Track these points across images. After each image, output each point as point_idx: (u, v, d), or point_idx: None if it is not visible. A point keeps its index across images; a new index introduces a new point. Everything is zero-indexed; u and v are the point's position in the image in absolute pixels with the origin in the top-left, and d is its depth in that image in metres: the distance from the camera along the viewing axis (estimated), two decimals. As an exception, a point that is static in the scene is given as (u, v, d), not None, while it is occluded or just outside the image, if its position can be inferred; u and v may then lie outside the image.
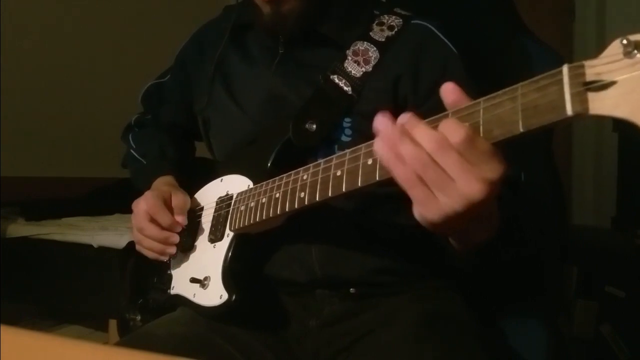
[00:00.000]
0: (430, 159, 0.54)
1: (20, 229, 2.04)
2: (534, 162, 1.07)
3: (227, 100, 0.99)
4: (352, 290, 0.88)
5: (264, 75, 0.96)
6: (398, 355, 0.77)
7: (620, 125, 0.47)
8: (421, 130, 0.55)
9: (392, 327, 0.82)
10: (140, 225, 0.92)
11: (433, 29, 0.93)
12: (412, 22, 0.94)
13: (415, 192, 0.56)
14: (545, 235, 1.08)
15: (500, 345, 1.03)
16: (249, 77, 0.99)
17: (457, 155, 0.54)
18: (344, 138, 0.88)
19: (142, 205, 0.92)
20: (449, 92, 0.58)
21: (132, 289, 1.06)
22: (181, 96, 1.11)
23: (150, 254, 0.95)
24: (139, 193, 1.05)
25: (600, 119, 0.49)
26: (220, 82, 1.01)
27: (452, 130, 0.54)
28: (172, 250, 0.92)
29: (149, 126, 1.16)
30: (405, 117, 0.58)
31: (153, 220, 0.91)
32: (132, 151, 1.12)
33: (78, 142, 2.51)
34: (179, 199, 0.95)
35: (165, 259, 0.95)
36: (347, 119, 0.88)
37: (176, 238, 0.92)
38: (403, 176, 0.56)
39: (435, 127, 0.56)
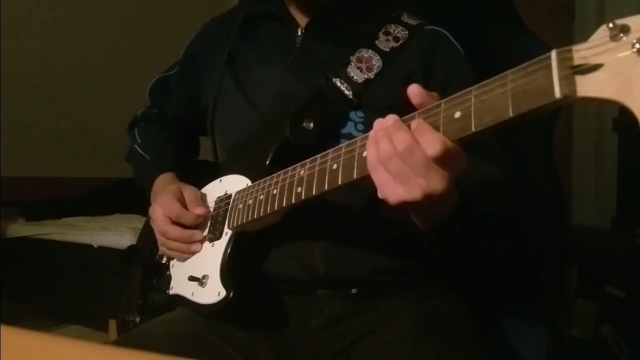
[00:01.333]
0: (396, 153, 0.61)
1: (20, 229, 2.05)
2: (533, 162, 1.08)
3: (237, 94, 0.99)
4: (353, 290, 0.88)
5: (277, 70, 0.96)
6: (398, 355, 0.77)
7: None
8: (398, 132, 0.62)
9: (392, 328, 0.82)
10: (163, 229, 0.93)
11: (446, 33, 0.96)
12: (426, 27, 0.95)
13: (375, 176, 0.64)
14: (545, 235, 1.08)
15: (500, 345, 1.03)
16: (261, 71, 0.98)
17: (425, 158, 0.60)
18: (355, 134, 0.88)
19: (159, 210, 0.93)
20: (415, 95, 0.64)
21: (132, 290, 1.06)
22: (187, 90, 1.11)
23: (177, 255, 0.96)
24: (139, 193, 1.06)
25: (587, 102, 0.50)
26: (230, 75, 1.01)
27: (429, 144, 0.60)
28: (198, 247, 0.92)
29: (155, 121, 1.16)
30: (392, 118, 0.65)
31: (174, 222, 0.92)
32: (136, 146, 1.12)
33: (78, 142, 2.51)
34: (190, 192, 0.95)
35: (190, 256, 0.95)
36: (360, 114, 0.89)
37: (200, 234, 0.92)
38: (370, 158, 0.64)
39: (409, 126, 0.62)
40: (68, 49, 2.49)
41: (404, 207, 0.65)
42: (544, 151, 1.09)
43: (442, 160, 0.60)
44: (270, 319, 0.89)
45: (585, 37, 0.51)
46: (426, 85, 0.89)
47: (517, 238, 0.99)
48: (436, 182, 0.61)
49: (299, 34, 0.96)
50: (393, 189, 0.63)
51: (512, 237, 0.93)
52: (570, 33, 2.84)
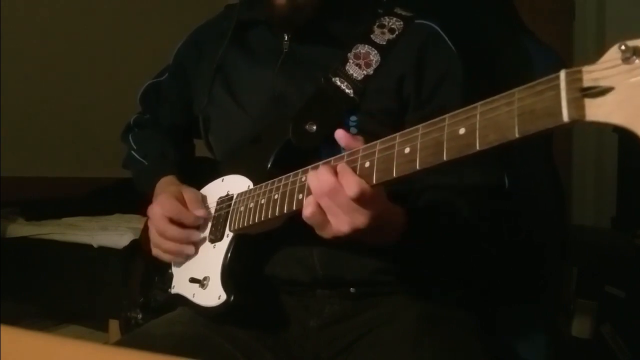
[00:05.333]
0: (324, 193, 0.68)
1: (20, 229, 2.04)
2: (534, 162, 1.08)
3: (228, 99, 0.99)
4: (352, 290, 0.88)
5: (267, 74, 0.95)
6: (398, 354, 0.77)
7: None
8: (323, 174, 0.68)
9: (391, 327, 0.82)
10: (161, 228, 0.92)
11: (437, 28, 0.94)
12: (416, 21, 0.94)
13: (313, 220, 0.70)
14: (545, 235, 1.08)
15: (500, 345, 1.03)
16: (251, 76, 0.99)
17: (348, 200, 0.66)
18: None
19: (158, 210, 0.92)
20: (340, 138, 0.70)
21: (134, 287, 1.06)
22: (179, 96, 1.11)
23: (168, 257, 0.95)
24: (139, 193, 1.06)
25: (597, 125, 0.48)
26: (220, 81, 1.01)
27: (349, 186, 0.66)
28: (191, 249, 0.92)
29: (148, 126, 1.16)
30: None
31: (173, 222, 0.91)
32: (132, 152, 1.11)
33: (78, 142, 2.51)
34: (190, 194, 0.94)
35: (182, 259, 0.94)
36: (353, 118, 0.88)
37: (198, 235, 0.92)
38: (307, 203, 0.70)
39: (335, 167, 0.68)
40: (68, 49, 2.49)
41: (339, 240, 0.71)
42: (544, 151, 1.09)
43: (361, 201, 0.66)
44: (270, 319, 0.89)
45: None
46: (418, 88, 0.90)
47: (517, 236, 0.99)
48: (359, 220, 0.67)
49: (286, 39, 0.96)
50: (328, 226, 0.70)
51: (509, 235, 0.93)
52: (570, 33, 2.84)
